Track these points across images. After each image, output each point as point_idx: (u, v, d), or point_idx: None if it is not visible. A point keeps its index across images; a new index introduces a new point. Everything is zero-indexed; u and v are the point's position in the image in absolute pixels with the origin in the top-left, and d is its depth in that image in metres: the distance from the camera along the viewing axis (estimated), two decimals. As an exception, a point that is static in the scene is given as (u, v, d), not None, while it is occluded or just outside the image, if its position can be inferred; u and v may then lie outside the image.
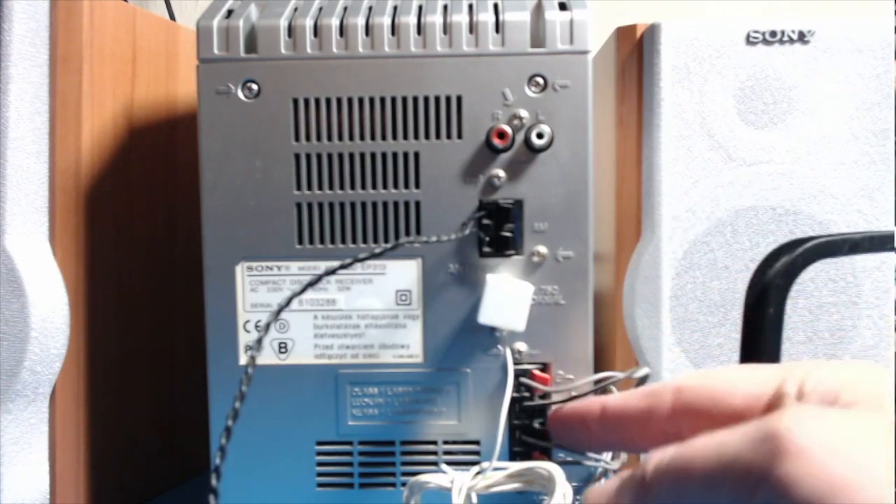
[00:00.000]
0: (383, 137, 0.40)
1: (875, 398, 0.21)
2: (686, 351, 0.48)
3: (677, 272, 0.47)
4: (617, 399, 0.28)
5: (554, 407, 0.32)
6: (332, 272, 0.33)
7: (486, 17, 0.40)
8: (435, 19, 0.40)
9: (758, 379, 0.23)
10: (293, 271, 0.41)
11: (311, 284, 0.32)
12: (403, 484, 0.40)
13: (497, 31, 0.40)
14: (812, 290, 0.48)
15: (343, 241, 0.41)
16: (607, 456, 0.40)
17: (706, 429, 0.23)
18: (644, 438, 0.27)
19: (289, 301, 0.32)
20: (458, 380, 0.41)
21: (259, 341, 0.29)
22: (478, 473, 0.36)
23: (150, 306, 0.49)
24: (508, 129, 0.39)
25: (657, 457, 0.22)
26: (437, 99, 0.40)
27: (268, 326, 0.30)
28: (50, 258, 0.42)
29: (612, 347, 0.50)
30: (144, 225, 0.48)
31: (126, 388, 0.47)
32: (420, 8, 0.41)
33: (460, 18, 0.40)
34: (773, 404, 0.23)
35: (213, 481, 0.25)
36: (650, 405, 0.26)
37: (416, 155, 0.40)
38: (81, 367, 0.43)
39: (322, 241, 0.41)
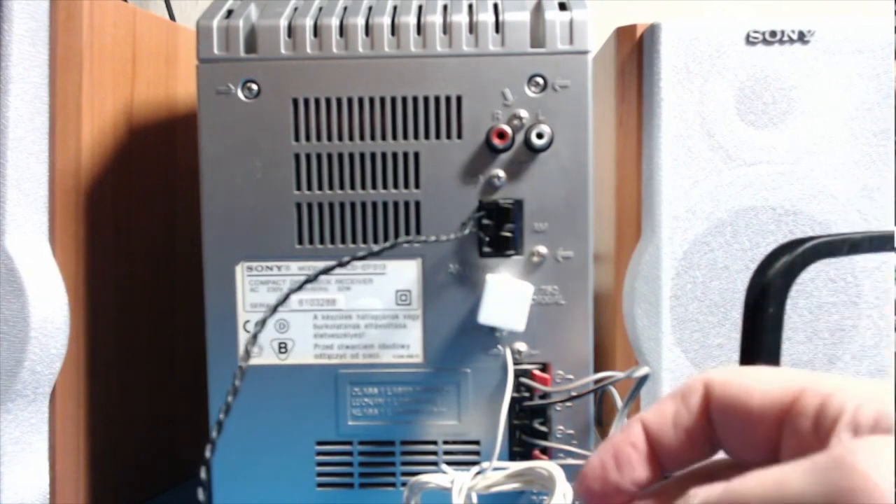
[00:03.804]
0: (383, 137, 0.40)
1: None
2: (686, 351, 0.48)
3: (677, 272, 0.47)
4: (654, 419, 0.24)
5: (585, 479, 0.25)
6: (328, 270, 0.33)
7: (486, 17, 0.40)
8: (435, 19, 0.40)
9: (777, 383, 0.23)
10: (293, 271, 0.41)
11: (308, 281, 0.32)
12: (403, 484, 0.40)
13: (497, 31, 0.40)
14: (812, 290, 0.48)
15: (343, 242, 0.41)
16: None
17: (733, 428, 0.22)
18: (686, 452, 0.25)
19: (285, 297, 0.31)
20: (458, 380, 0.41)
21: (255, 336, 0.29)
22: (478, 473, 0.36)
23: (150, 306, 0.49)
24: (508, 129, 0.39)
25: (703, 494, 0.21)
26: (437, 99, 0.40)
27: (264, 322, 0.30)
28: (50, 258, 0.42)
29: (612, 347, 0.50)
30: (144, 225, 0.48)
31: (126, 388, 0.47)
32: (420, 8, 0.41)
33: (460, 18, 0.40)
34: (797, 413, 0.22)
35: (203, 474, 0.25)
36: (682, 411, 0.24)
37: (416, 155, 0.40)
38: (81, 367, 0.43)
39: (322, 241, 0.41)
